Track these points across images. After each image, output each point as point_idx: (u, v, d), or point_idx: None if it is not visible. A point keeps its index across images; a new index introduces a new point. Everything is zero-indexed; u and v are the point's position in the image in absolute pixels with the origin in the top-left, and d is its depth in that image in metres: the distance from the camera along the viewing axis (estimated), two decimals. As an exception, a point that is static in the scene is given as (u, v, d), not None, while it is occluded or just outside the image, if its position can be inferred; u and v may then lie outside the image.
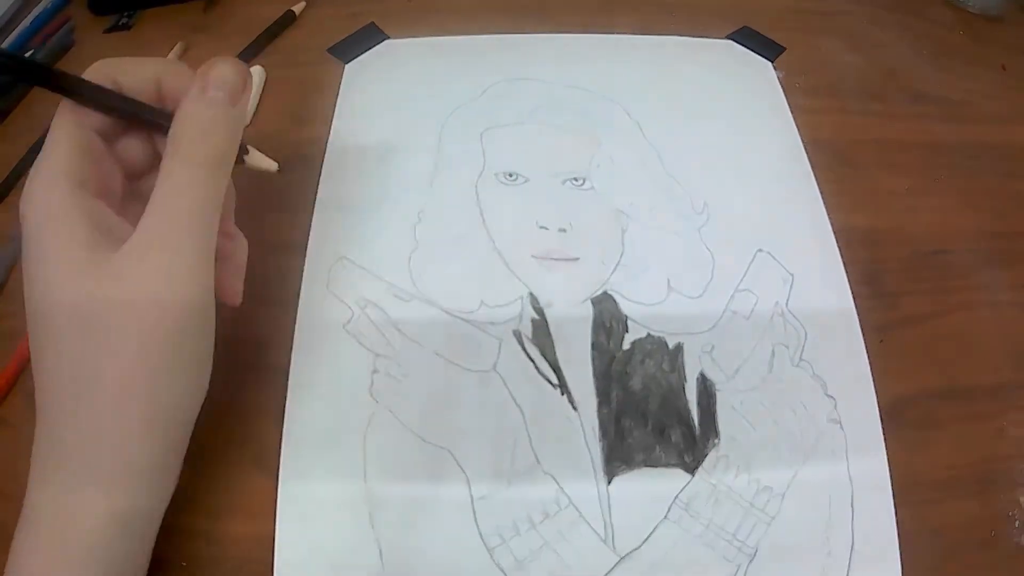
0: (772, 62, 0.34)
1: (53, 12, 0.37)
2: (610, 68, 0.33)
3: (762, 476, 0.22)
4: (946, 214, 0.29)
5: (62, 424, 0.18)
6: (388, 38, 0.34)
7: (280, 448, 0.22)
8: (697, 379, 0.24)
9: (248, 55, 0.34)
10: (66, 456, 0.18)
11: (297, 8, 0.36)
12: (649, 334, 0.24)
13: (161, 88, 0.20)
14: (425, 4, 0.36)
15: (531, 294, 0.25)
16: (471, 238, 0.27)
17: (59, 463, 0.18)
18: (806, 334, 0.25)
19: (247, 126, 0.31)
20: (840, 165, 0.30)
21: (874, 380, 0.24)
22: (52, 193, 0.18)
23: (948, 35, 0.36)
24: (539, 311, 0.25)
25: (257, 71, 0.33)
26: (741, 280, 0.26)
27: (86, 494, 0.17)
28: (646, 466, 0.22)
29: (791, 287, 0.26)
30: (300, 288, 0.25)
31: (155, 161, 0.22)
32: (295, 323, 0.25)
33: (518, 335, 0.24)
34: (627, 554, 0.21)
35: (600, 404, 0.23)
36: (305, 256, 0.26)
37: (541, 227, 0.27)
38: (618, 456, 0.22)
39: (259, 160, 0.22)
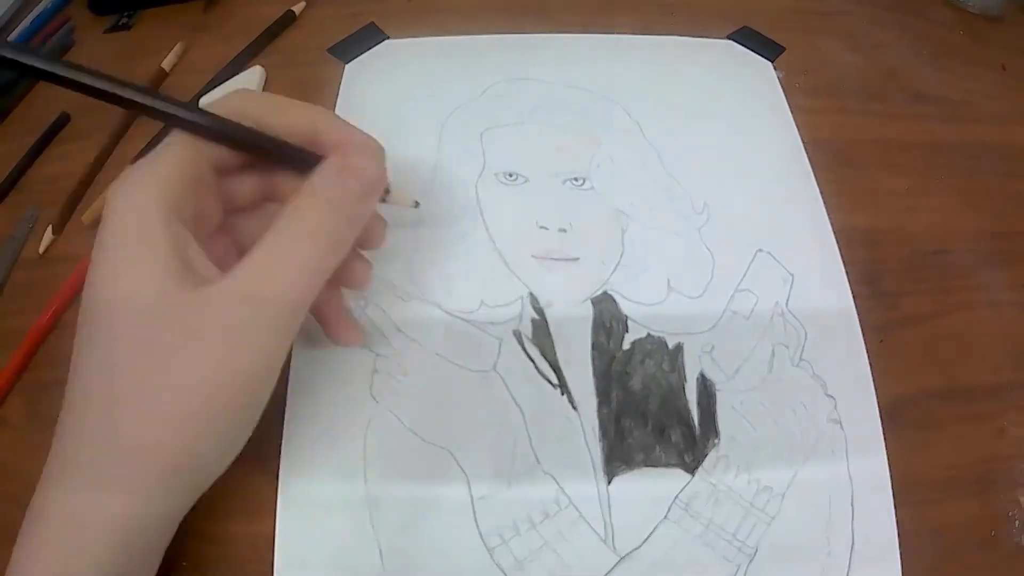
0: (772, 62, 0.34)
1: (53, 12, 0.37)
2: (610, 68, 0.33)
3: (762, 476, 0.22)
4: (946, 214, 0.29)
5: (88, 425, 0.17)
6: (388, 38, 0.34)
7: (280, 448, 0.22)
8: (697, 379, 0.24)
9: (248, 55, 0.34)
10: (85, 459, 0.17)
11: (297, 8, 0.36)
12: (649, 334, 0.24)
13: (315, 139, 0.19)
14: (425, 4, 0.36)
15: (531, 294, 0.25)
16: (471, 238, 0.27)
17: (76, 465, 0.17)
18: (806, 334, 0.25)
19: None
20: (840, 165, 0.30)
21: (874, 380, 0.24)
22: (145, 207, 0.17)
23: (948, 35, 0.36)
24: (539, 311, 0.25)
25: (257, 71, 0.33)
26: (741, 280, 0.26)
27: (104, 498, 0.17)
28: (646, 466, 0.22)
29: (791, 287, 0.26)
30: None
31: (259, 201, 0.21)
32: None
33: (518, 335, 0.24)
34: (627, 554, 0.21)
35: (600, 404, 0.23)
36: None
37: (541, 227, 0.27)
38: (618, 456, 0.22)
39: (400, 197, 0.22)
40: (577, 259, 0.26)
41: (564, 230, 0.27)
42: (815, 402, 0.23)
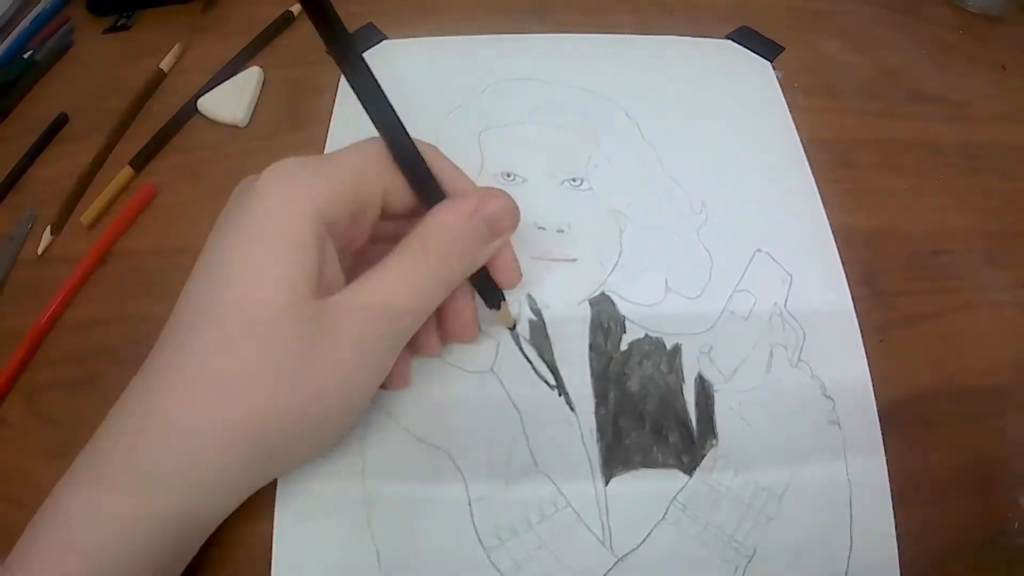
0: (771, 62, 0.33)
1: (52, 12, 0.37)
2: (609, 68, 0.32)
3: (760, 477, 0.22)
4: (946, 214, 0.29)
5: (146, 422, 0.17)
6: (386, 38, 0.34)
7: (278, 449, 0.22)
8: (695, 380, 0.23)
9: (246, 55, 0.34)
10: (143, 456, 0.17)
11: (295, 8, 0.36)
12: (647, 335, 0.24)
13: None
14: (423, 4, 0.36)
15: (529, 295, 0.25)
16: (469, 238, 0.26)
17: (126, 463, 0.17)
18: (805, 334, 0.24)
19: (245, 127, 0.32)
20: (839, 165, 0.30)
21: (873, 380, 0.24)
22: (306, 213, 0.17)
23: (948, 35, 0.36)
24: (537, 312, 0.25)
25: (255, 72, 0.33)
26: (739, 280, 0.26)
27: (161, 498, 0.17)
28: (644, 467, 0.22)
29: (790, 287, 0.26)
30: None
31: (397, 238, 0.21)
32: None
33: (516, 336, 0.24)
34: (625, 555, 0.21)
35: (598, 405, 0.23)
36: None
37: (539, 228, 0.27)
38: (616, 457, 0.22)
39: (505, 316, 0.23)
40: (575, 260, 0.26)
41: (562, 231, 0.27)
42: (814, 403, 0.23)
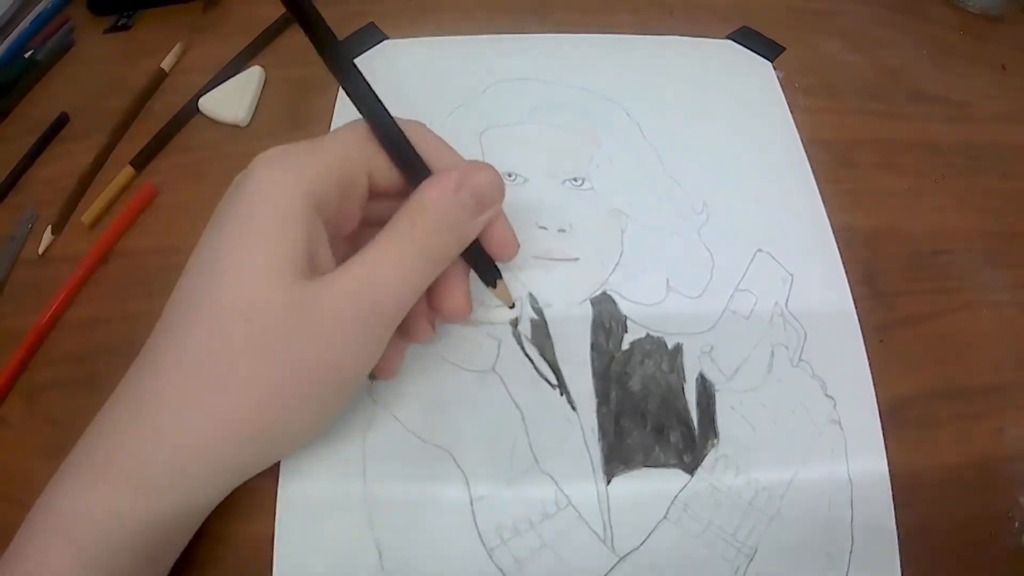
0: (772, 62, 0.33)
1: (53, 12, 0.37)
2: (610, 68, 0.33)
3: (761, 476, 0.22)
4: (946, 214, 0.29)
5: (138, 412, 0.17)
6: (387, 38, 0.34)
7: (279, 448, 0.22)
8: (696, 379, 0.24)
9: (247, 55, 0.34)
10: (133, 451, 0.17)
11: (297, 8, 0.36)
12: (648, 334, 0.24)
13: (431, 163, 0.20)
14: (424, 4, 0.36)
15: (530, 294, 0.25)
16: (470, 238, 0.26)
17: (117, 460, 0.17)
18: (805, 334, 0.25)
19: (246, 126, 0.32)
20: (840, 165, 0.30)
21: (874, 380, 0.24)
22: (293, 193, 0.17)
23: (948, 35, 0.36)
24: (538, 311, 0.25)
25: (256, 71, 0.33)
26: (740, 280, 0.26)
27: (152, 495, 0.17)
28: (645, 466, 0.22)
29: (790, 287, 0.26)
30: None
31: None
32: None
33: (517, 335, 0.24)
34: (626, 554, 0.21)
35: (599, 404, 0.23)
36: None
37: (540, 227, 0.27)
38: (617, 456, 0.22)
39: (503, 293, 0.22)
40: (576, 259, 0.26)
41: (563, 230, 0.27)
42: (814, 402, 0.23)
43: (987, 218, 0.29)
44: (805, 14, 0.36)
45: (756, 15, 0.36)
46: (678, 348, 0.24)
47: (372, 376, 0.21)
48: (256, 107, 0.32)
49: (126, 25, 0.37)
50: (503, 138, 0.30)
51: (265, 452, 0.19)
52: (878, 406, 0.23)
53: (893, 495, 0.22)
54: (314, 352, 0.17)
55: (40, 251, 0.28)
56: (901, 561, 0.21)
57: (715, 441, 0.22)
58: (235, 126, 0.31)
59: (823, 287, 0.26)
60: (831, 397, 0.23)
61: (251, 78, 0.33)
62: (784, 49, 0.34)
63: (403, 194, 0.20)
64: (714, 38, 0.34)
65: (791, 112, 0.31)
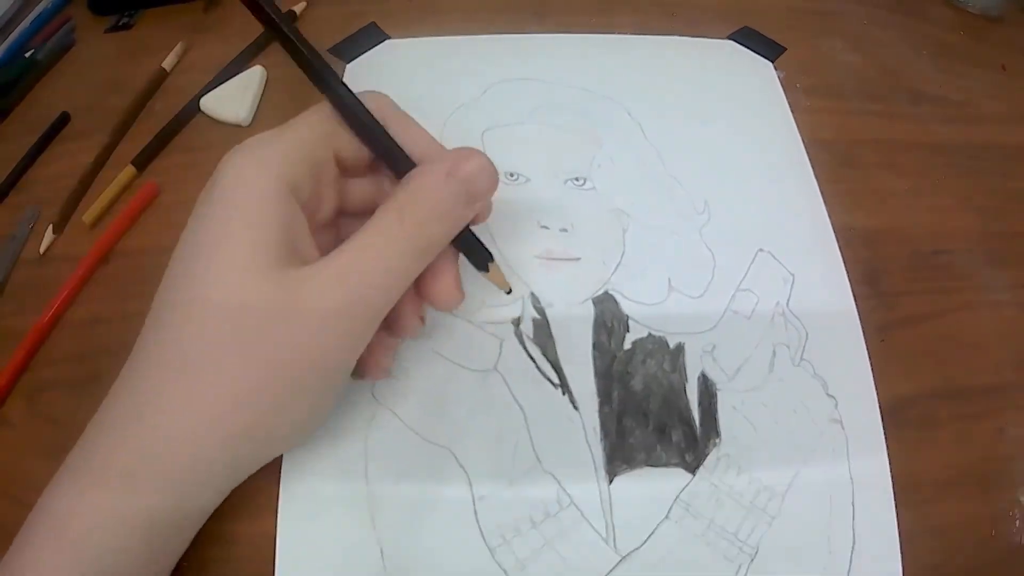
0: (773, 62, 0.34)
1: (53, 12, 0.37)
2: (610, 68, 0.33)
3: (763, 476, 0.22)
4: (946, 214, 0.29)
5: (131, 413, 0.17)
6: (389, 38, 0.34)
7: (281, 448, 0.22)
8: (698, 379, 0.24)
9: (249, 55, 0.34)
10: (128, 454, 0.17)
11: (298, 8, 0.36)
12: (650, 334, 0.24)
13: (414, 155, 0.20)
14: (426, 4, 0.36)
15: (532, 294, 0.25)
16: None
17: (113, 462, 0.17)
18: (807, 334, 0.25)
19: (248, 126, 0.32)
20: (840, 165, 0.30)
21: (875, 380, 0.24)
22: (265, 177, 0.17)
23: (948, 35, 0.36)
24: (540, 311, 0.25)
25: (257, 71, 0.33)
26: (742, 280, 0.26)
27: (146, 495, 0.17)
28: (647, 466, 0.22)
29: (792, 287, 0.26)
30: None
31: (369, 208, 0.21)
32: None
33: (519, 335, 0.24)
34: (628, 554, 0.21)
35: (601, 404, 0.23)
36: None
37: (542, 227, 0.27)
38: (619, 456, 0.22)
39: (496, 277, 0.22)
40: (578, 259, 0.26)
41: (565, 230, 0.27)
42: (816, 402, 0.23)
43: (987, 218, 0.29)
44: (806, 14, 0.37)
45: (757, 15, 0.36)
46: (680, 348, 0.24)
47: (363, 376, 0.21)
48: (257, 107, 0.32)
49: (127, 25, 0.37)
50: (504, 138, 0.30)
51: (257, 450, 0.19)
52: (879, 405, 0.23)
53: (894, 494, 0.22)
54: (297, 344, 0.17)
55: (41, 250, 0.28)
56: (902, 560, 0.21)
57: (717, 440, 0.22)
58: (236, 126, 0.31)
59: (824, 287, 0.26)
60: (832, 396, 0.23)
61: (252, 78, 0.33)
62: (785, 49, 0.34)
63: (374, 170, 0.20)
64: (715, 38, 0.35)
65: (792, 112, 0.31)
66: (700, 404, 0.23)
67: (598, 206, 0.28)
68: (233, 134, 0.31)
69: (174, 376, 0.17)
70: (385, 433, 0.22)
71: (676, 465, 0.22)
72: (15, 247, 0.28)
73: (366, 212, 0.21)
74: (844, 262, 0.26)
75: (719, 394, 0.23)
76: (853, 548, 0.21)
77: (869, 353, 0.24)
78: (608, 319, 0.25)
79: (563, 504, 0.21)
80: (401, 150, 0.19)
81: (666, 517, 0.21)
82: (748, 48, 0.34)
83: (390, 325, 0.20)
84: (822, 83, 0.33)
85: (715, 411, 0.23)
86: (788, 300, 0.25)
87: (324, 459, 0.22)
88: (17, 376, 0.24)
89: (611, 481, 0.22)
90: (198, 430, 0.17)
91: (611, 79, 0.32)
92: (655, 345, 0.24)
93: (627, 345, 0.24)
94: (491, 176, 0.19)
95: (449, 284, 0.20)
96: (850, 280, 0.26)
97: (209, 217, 0.17)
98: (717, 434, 0.23)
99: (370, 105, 0.19)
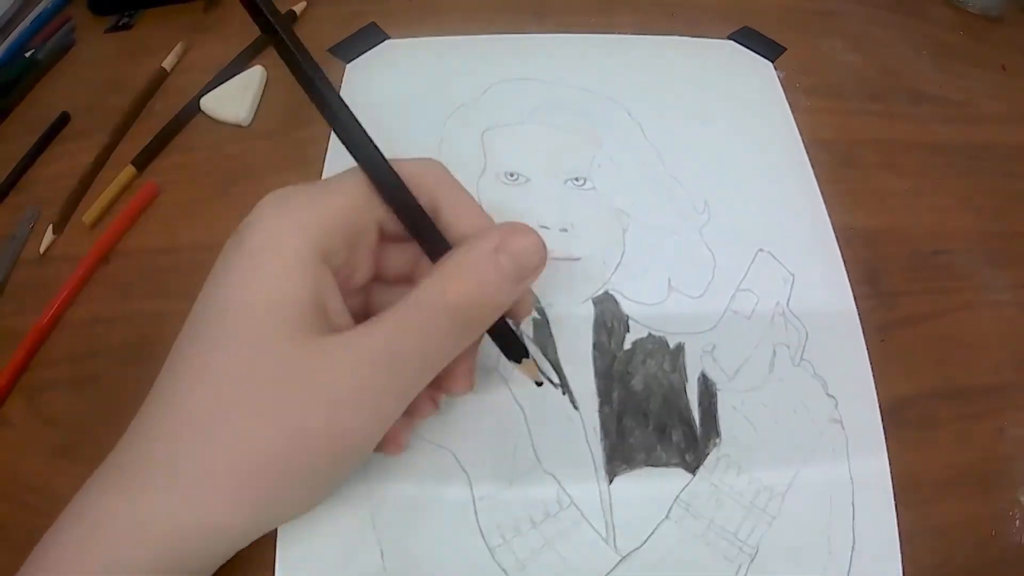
0: (773, 62, 0.34)
1: (53, 12, 0.37)
2: (610, 68, 0.33)
3: (763, 476, 0.22)
4: (946, 214, 0.29)
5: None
6: (389, 38, 0.34)
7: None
8: (698, 379, 0.24)
9: (249, 55, 0.34)
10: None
11: (298, 8, 0.36)
12: (650, 334, 0.24)
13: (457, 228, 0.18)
14: (426, 4, 0.36)
15: (532, 294, 0.25)
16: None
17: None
18: (807, 334, 0.25)
19: (248, 126, 0.32)
20: (840, 165, 0.30)
21: (875, 380, 0.24)
22: (298, 240, 0.16)
23: (948, 35, 0.36)
24: (540, 311, 0.25)
25: (257, 71, 0.33)
26: (742, 280, 0.26)
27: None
28: (647, 466, 0.22)
29: (792, 287, 0.26)
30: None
31: (406, 277, 0.20)
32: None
33: (520, 332, 0.24)
34: (628, 553, 0.21)
35: (601, 404, 0.23)
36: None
37: (542, 227, 0.27)
38: (619, 456, 0.22)
39: (530, 369, 0.21)
40: (578, 259, 0.26)
41: (565, 230, 0.27)
42: (816, 402, 0.23)
43: (987, 218, 0.29)
44: (806, 14, 0.37)
45: (757, 15, 0.36)
46: (680, 348, 0.24)
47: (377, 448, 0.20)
48: (258, 107, 0.32)
49: (127, 25, 0.37)
50: (504, 138, 0.30)
51: (262, 519, 0.17)
52: (879, 405, 0.23)
53: (894, 494, 0.22)
54: (319, 417, 0.16)
55: (41, 250, 0.28)
56: (902, 560, 0.21)
57: (717, 440, 0.22)
58: (236, 126, 0.31)
59: (824, 287, 0.26)
60: (832, 396, 0.23)
61: (252, 78, 0.33)
62: (785, 49, 0.34)
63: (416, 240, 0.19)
64: (715, 38, 0.35)
65: (792, 112, 0.31)
66: (700, 404, 0.23)
67: (598, 206, 0.28)
68: (233, 134, 0.31)
69: (188, 437, 0.16)
70: (385, 433, 0.22)
71: (676, 465, 0.22)
72: (15, 247, 0.28)
73: (401, 279, 0.20)
74: (844, 262, 0.26)
75: (719, 394, 0.23)
76: (853, 548, 0.21)
77: (869, 353, 0.24)
78: (608, 319, 0.25)
79: (563, 504, 0.21)
80: (436, 230, 0.18)
81: (666, 517, 0.21)
82: (748, 48, 0.34)
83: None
84: (822, 83, 0.33)
85: (715, 411, 0.23)
86: (788, 300, 0.25)
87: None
88: (17, 376, 0.24)
89: (611, 481, 0.22)
90: (207, 493, 0.16)
91: (611, 79, 0.32)
92: (655, 345, 0.24)
93: (627, 345, 0.24)
94: (541, 253, 0.18)
95: (466, 372, 0.20)
96: (850, 280, 0.26)
97: (236, 275, 0.16)
98: (717, 434, 0.23)
99: (419, 173, 0.18)
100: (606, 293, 0.25)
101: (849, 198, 0.28)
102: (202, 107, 0.32)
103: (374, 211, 0.18)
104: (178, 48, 0.35)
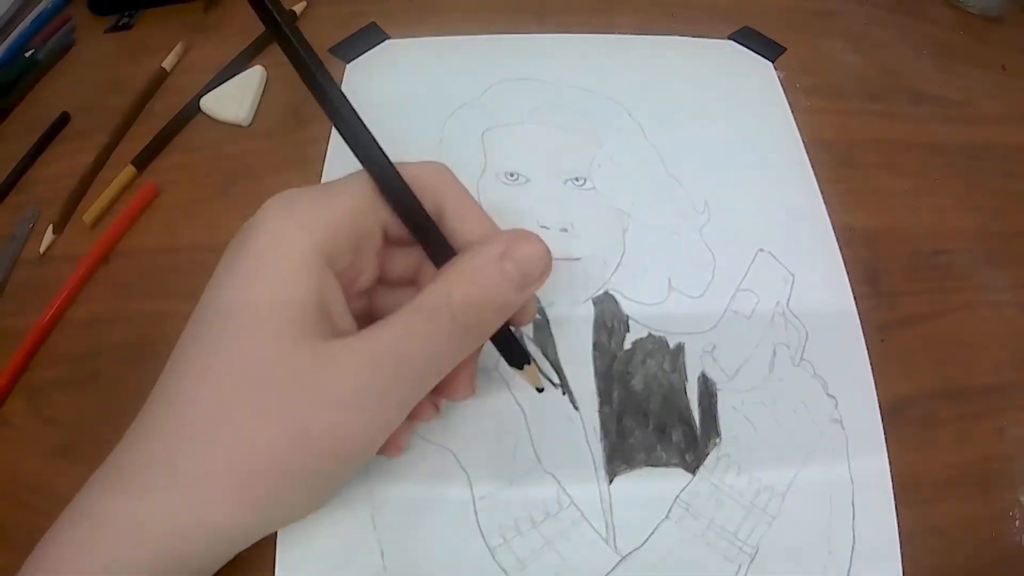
0: (773, 62, 0.34)
1: (53, 12, 0.37)
2: (610, 68, 0.33)
3: (763, 476, 0.22)
4: (946, 214, 0.29)
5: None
6: (389, 38, 0.34)
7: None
8: (698, 379, 0.24)
9: (249, 55, 0.34)
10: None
11: (298, 8, 0.36)
12: (650, 334, 0.24)
13: (462, 233, 0.18)
14: (426, 4, 0.36)
15: (536, 300, 0.25)
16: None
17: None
18: (807, 334, 0.25)
19: (248, 126, 0.32)
20: (840, 165, 0.30)
21: (875, 380, 0.24)
22: (302, 244, 0.16)
23: (948, 35, 0.36)
24: (540, 311, 0.25)
25: (257, 71, 0.33)
26: (742, 280, 0.26)
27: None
28: (647, 466, 0.22)
29: (792, 287, 0.26)
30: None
31: (410, 280, 0.20)
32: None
33: (519, 335, 0.24)
34: (628, 554, 0.21)
35: (601, 404, 0.23)
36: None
37: (542, 227, 0.27)
38: (619, 456, 0.22)
39: (532, 375, 0.21)
40: (578, 259, 0.26)
41: (565, 230, 0.27)
42: (816, 402, 0.23)
43: (987, 218, 0.29)
44: (806, 14, 0.37)
45: (757, 15, 0.36)
46: (680, 347, 0.24)
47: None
48: (257, 107, 0.32)
49: (127, 25, 0.37)
50: (505, 138, 0.30)
51: (262, 520, 0.17)
52: (879, 405, 0.23)
53: (894, 494, 0.22)
54: (321, 419, 0.16)
55: (41, 250, 0.28)
56: (902, 560, 0.21)
57: (717, 440, 0.22)
58: (236, 126, 0.31)
59: (824, 287, 0.26)
60: (832, 396, 0.23)
61: (252, 78, 0.33)
62: (785, 49, 0.34)
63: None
64: (715, 38, 0.35)
65: (792, 112, 0.31)
66: (700, 404, 0.23)
67: (598, 206, 0.28)
68: (233, 134, 0.31)
69: (189, 437, 0.16)
70: (385, 433, 0.22)
71: (676, 465, 0.22)
72: (15, 247, 0.28)
73: (404, 282, 0.20)
74: (844, 262, 0.26)
75: (719, 394, 0.23)
76: (853, 548, 0.21)
77: (869, 353, 0.24)
78: (608, 319, 0.25)
79: (563, 504, 0.21)
80: (440, 234, 0.18)
81: (666, 517, 0.21)
82: (748, 48, 0.34)
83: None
84: (822, 83, 0.33)
85: (715, 411, 0.23)
86: (788, 300, 0.25)
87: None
88: (17, 376, 0.24)
89: (611, 481, 0.22)
90: (208, 495, 0.16)
91: (611, 79, 0.32)
92: (655, 345, 0.24)
93: (627, 345, 0.24)
94: (546, 260, 0.18)
95: (467, 377, 0.20)
96: (850, 280, 0.26)
97: (240, 276, 0.16)
98: (717, 434, 0.23)
99: (424, 176, 0.18)
100: (606, 293, 0.25)
101: (849, 198, 0.28)
102: (202, 107, 0.32)
103: (379, 214, 0.18)
104: (178, 48, 0.35)
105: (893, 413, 0.23)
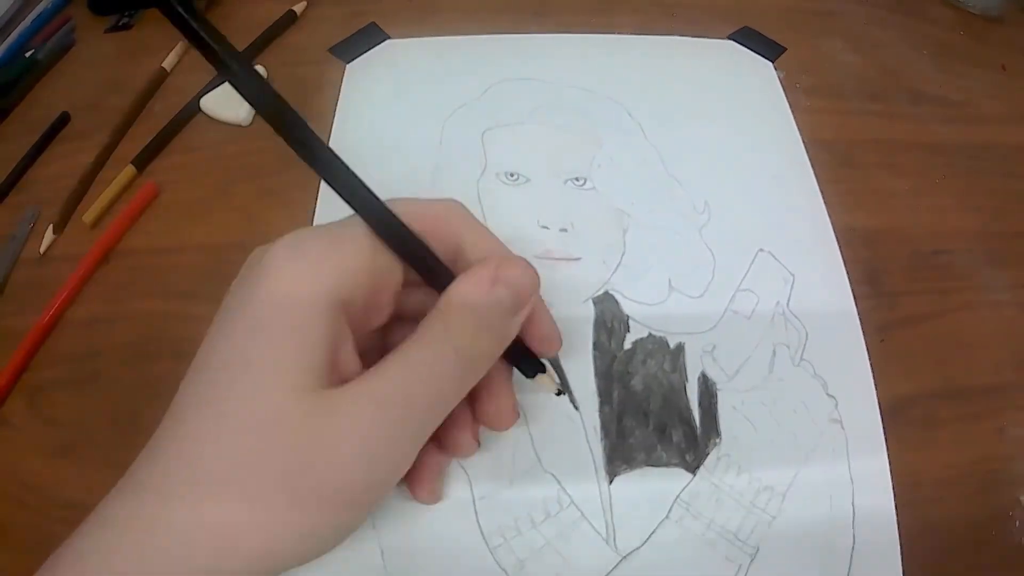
0: (773, 62, 0.34)
1: (53, 12, 0.37)
2: (610, 68, 0.33)
3: (763, 476, 0.22)
4: (946, 214, 0.29)
5: (135, 523, 0.15)
6: (389, 38, 0.34)
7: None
8: (698, 379, 0.24)
9: (249, 55, 0.34)
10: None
11: (298, 8, 0.36)
12: (650, 334, 0.24)
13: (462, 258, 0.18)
14: (426, 4, 0.36)
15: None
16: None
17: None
18: (807, 334, 0.25)
19: (248, 126, 0.32)
20: (841, 165, 0.30)
21: (875, 380, 0.24)
22: (316, 293, 0.16)
23: (948, 35, 0.36)
24: (540, 311, 0.25)
25: (258, 71, 0.33)
26: (742, 280, 0.26)
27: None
28: (647, 465, 0.22)
29: (792, 287, 0.26)
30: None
31: (422, 313, 0.19)
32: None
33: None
34: (628, 553, 0.21)
35: (601, 404, 0.23)
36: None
37: (543, 227, 0.27)
38: (619, 456, 0.22)
39: (548, 380, 0.21)
40: (579, 259, 0.26)
41: (565, 230, 0.27)
42: (816, 402, 0.23)
43: (987, 218, 0.29)
44: (806, 14, 0.37)
45: (757, 15, 0.36)
46: (680, 347, 0.24)
47: (414, 495, 0.20)
48: (257, 107, 0.32)
49: (127, 25, 0.37)
50: (505, 138, 0.30)
51: (267, 570, 0.16)
52: (879, 405, 0.23)
53: (894, 494, 0.22)
54: (328, 472, 0.15)
55: (41, 250, 0.28)
56: (902, 560, 0.21)
57: (717, 440, 0.22)
58: (236, 126, 0.31)
59: (824, 287, 0.26)
60: (832, 396, 0.23)
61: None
62: (785, 49, 0.34)
63: None
64: (715, 38, 0.35)
65: (792, 112, 0.31)
66: (700, 404, 0.23)
67: (598, 206, 0.28)
68: (233, 134, 0.31)
69: (187, 490, 0.15)
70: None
71: (676, 465, 0.22)
72: (15, 247, 0.28)
73: (419, 317, 0.19)
74: (844, 262, 0.26)
75: (719, 394, 0.23)
76: (853, 548, 0.21)
77: (869, 353, 0.24)
78: (608, 319, 0.25)
79: (563, 504, 0.21)
80: (440, 264, 0.18)
81: (666, 517, 0.21)
82: (748, 48, 0.34)
83: (442, 444, 0.19)
84: (822, 83, 0.33)
85: (715, 411, 0.23)
86: (788, 300, 0.25)
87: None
88: (17, 376, 0.24)
89: (611, 481, 0.22)
90: (210, 554, 0.15)
91: (611, 79, 0.32)
92: (655, 345, 0.24)
93: (627, 345, 0.24)
94: (533, 278, 0.18)
95: (507, 406, 0.19)
96: (850, 280, 0.26)
97: (245, 323, 0.16)
98: (717, 434, 0.23)
99: (443, 215, 0.18)
100: (606, 293, 0.25)
101: (849, 198, 0.28)
102: (202, 107, 0.32)
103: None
104: (178, 48, 0.35)
105: (893, 413, 0.23)
